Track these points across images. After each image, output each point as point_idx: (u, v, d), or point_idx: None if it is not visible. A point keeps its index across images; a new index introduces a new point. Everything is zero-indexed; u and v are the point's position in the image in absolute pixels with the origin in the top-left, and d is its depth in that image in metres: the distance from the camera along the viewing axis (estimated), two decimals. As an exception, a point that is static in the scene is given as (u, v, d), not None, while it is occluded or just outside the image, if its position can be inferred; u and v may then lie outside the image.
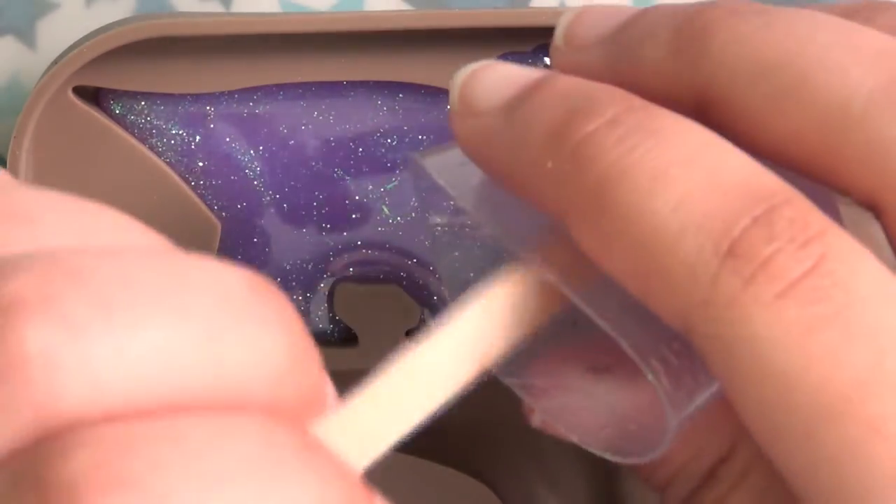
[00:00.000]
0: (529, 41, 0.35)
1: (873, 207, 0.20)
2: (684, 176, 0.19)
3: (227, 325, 0.16)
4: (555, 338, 0.25)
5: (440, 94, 0.36)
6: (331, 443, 0.18)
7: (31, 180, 0.36)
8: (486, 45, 0.35)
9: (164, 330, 0.16)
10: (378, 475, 0.38)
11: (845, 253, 0.19)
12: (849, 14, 0.22)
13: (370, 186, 0.36)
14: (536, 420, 0.24)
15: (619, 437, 0.23)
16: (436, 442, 0.37)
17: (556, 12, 0.35)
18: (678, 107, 0.21)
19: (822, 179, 0.20)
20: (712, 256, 0.19)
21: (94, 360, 0.15)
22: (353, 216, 0.37)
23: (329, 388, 0.19)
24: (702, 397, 0.21)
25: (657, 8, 0.23)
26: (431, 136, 0.36)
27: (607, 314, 0.21)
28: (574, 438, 0.23)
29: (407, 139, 0.36)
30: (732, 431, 0.23)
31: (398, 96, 0.36)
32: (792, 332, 0.18)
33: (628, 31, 0.23)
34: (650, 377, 0.20)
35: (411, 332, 0.37)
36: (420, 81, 0.36)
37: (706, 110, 0.21)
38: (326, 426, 0.19)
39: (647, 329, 0.20)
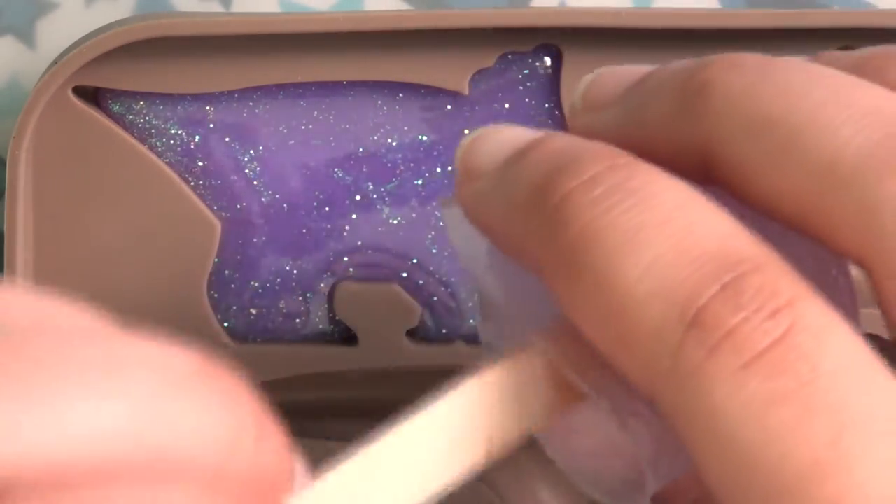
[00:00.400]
0: (529, 41, 0.35)
1: (863, 267, 0.20)
2: (656, 239, 0.19)
3: (164, 401, 0.17)
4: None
5: (440, 93, 0.36)
6: None
7: (31, 180, 0.36)
8: (486, 45, 0.35)
9: (94, 403, 0.16)
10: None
11: (815, 324, 0.18)
12: (861, 63, 0.22)
13: (370, 186, 0.36)
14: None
15: (606, 485, 0.23)
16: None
17: (557, 12, 0.35)
18: (684, 166, 0.21)
19: (816, 237, 0.20)
20: (677, 325, 0.19)
21: (21, 428, 0.16)
22: (353, 216, 0.37)
23: (299, 466, 0.19)
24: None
25: (668, 65, 0.23)
26: (432, 136, 0.36)
27: (589, 379, 0.20)
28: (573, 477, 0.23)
29: (407, 139, 0.36)
30: None
31: (398, 96, 0.36)
32: (753, 405, 0.18)
33: (637, 90, 0.23)
34: (629, 439, 0.20)
35: (411, 332, 0.37)
36: (420, 81, 0.36)
37: (710, 168, 0.21)
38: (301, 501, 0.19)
39: (623, 385, 0.20)
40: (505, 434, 0.22)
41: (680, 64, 0.22)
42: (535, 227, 0.20)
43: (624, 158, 0.20)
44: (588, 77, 0.24)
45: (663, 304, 0.19)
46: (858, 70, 0.21)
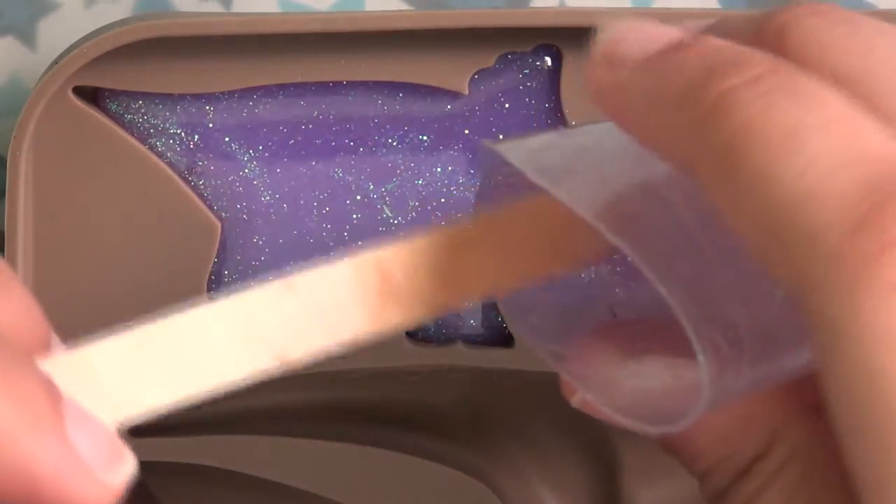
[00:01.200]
0: (529, 41, 0.35)
1: None
2: (819, 139, 0.19)
3: None
4: (592, 319, 0.25)
5: (440, 93, 0.36)
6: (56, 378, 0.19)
7: (31, 180, 0.36)
8: (486, 45, 0.35)
9: None
10: (378, 475, 0.38)
11: None
12: None
13: (371, 186, 0.36)
14: (577, 400, 0.24)
15: (649, 413, 0.22)
16: (436, 442, 0.37)
17: (557, 12, 0.35)
18: None
19: None
20: (837, 228, 0.18)
21: None
22: (354, 216, 0.37)
23: (54, 335, 0.20)
24: (739, 389, 0.21)
25: (712, 39, 0.22)
26: (432, 136, 0.36)
27: (670, 285, 0.20)
28: (606, 412, 0.23)
29: (407, 139, 0.36)
30: (770, 429, 0.23)
31: (398, 96, 0.36)
32: None
33: (678, 63, 0.22)
34: (700, 359, 0.20)
35: (411, 333, 0.37)
36: (420, 81, 0.36)
37: None
38: (55, 361, 0.19)
39: (706, 311, 0.20)
40: (306, 345, 0.22)
41: (699, 57, 0.22)
42: (690, 121, 0.20)
43: (785, 64, 0.20)
44: (609, 29, 0.23)
45: (825, 205, 0.18)
46: None
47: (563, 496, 0.36)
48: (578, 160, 0.23)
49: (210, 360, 0.20)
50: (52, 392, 0.19)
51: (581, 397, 0.24)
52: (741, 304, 0.21)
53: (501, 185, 0.24)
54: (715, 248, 0.21)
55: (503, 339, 0.37)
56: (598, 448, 0.36)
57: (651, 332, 0.21)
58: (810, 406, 0.22)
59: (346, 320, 0.21)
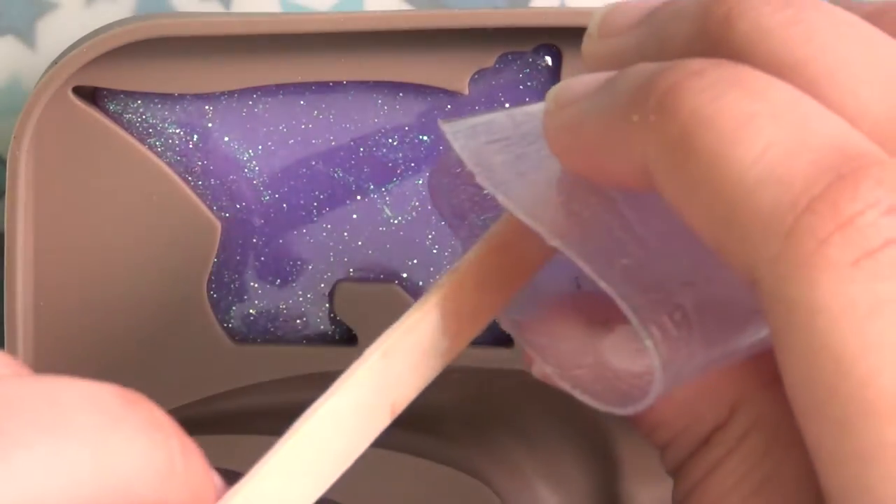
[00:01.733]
0: (529, 41, 0.35)
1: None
2: (770, 126, 0.19)
3: (107, 436, 0.17)
4: (557, 288, 0.25)
5: (440, 93, 0.36)
6: None
7: (31, 180, 0.36)
8: (486, 45, 0.35)
9: (46, 448, 0.17)
10: (378, 475, 0.38)
11: None
12: (877, 14, 0.22)
13: (371, 186, 0.36)
14: (538, 370, 0.24)
15: (608, 389, 0.23)
16: (436, 442, 0.37)
17: (557, 12, 0.35)
18: None
19: None
20: (789, 210, 0.18)
21: None
22: (354, 216, 0.37)
23: (216, 478, 0.20)
24: (695, 368, 0.21)
25: None
26: (432, 136, 0.36)
27: (611, 278, 0.20)
28: (565, 386, 0.23)
29: (407, 139, 0.36)
30: (732, 399, 0.23)
31: (398, 96, 0.36)
32: (855, 310, 0.18)
33: (657, 14, 0.23)
34: (647, 343, 0.20)
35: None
36: (420, 81, 0.36)
37: None
38: None
39: (650, 296, 0.20)
40: (407, 391, 0.22)
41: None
42: (639, 121, 0.20)
43: (725, 59, 0.20)
44: (602, 9, 0.24)
45: (777, 189, 0.18)
46: (876, 20, 0.21)
47: (563, 496, 0.36)
48: (524, 159, 0.23)
49: (340, 449, 0.22)
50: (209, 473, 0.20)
51: (541, 367, 0.24)
52: (687, 286, 0.21)
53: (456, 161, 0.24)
54: (657, 237, 0.21)
55: (503, 339, 0.37)
56: (598, 448, 0.36)
57: (613, 306, 0.21)
58: (771, 377, 0.23)
59: (433, 358, 0.22)
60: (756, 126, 0.19)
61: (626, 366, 0.23)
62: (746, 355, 0.22)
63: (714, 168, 0.19)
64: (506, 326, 0.25)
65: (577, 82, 0.22)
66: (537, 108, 0.24)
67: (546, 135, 0.22)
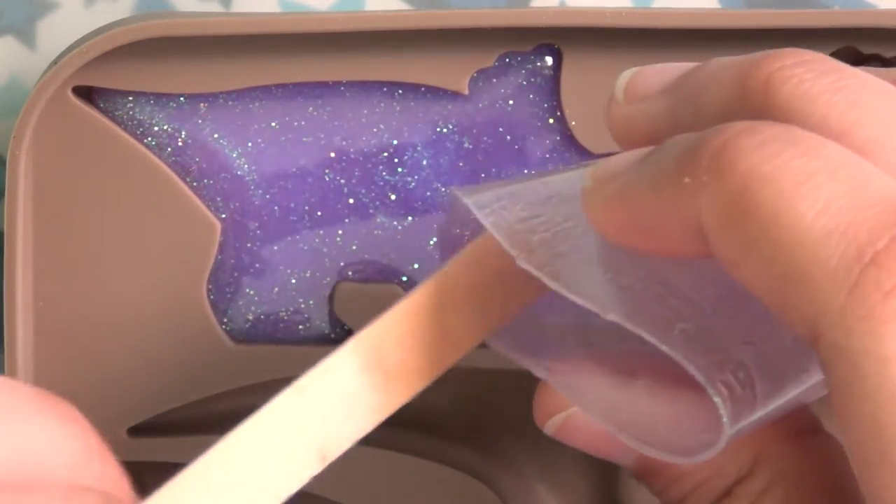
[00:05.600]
0: (529, 41, 0.35)
1: None
2: (830, 183, 0.19)
3: (22, 415, 0.19)
4: (575, 344, 0.25)
5: (440, 93, 0.36)
6: None
7: (31, 180, 0.36)
8: (486, 45, 0.35)
9: None
10: (378, 475, 0.38)
11: None
12: None
13: (371, 187, 0.36)
14: (553, 425, 0.24)
15: (649, 440, 0.23)
16: (436, 442, 0.37)
17: (557, 12, 0.35)
18: None
19: None
20: (854, 263, 0.19)
21: None
22: (354, 217, 0.37)
23: (128, 488, 0.21)
24: (751, 424, 0.21)
25: (718, 59, 0.23)
26: (432, 137, 0.36)
27: (672, 343, 0.21)
28: (612, 430, 0.23)
29: (407, 140, 0.36)
30: (754, 452, 0.23)
31: (398, 95, 0.36)
32: None
33: (690, 78, 0.23)
34: (717, 400, 0.21)
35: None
36: (420, 81, 0.36)
37: None
38: None
39: (712, 357, 0.21)
40: (339, 439, 0.22)
41: (737, 57, 0.22)
42: (691, 182, 0.20)
43: (774, 122, 0.21)
44: (627, 72, 0.24)
45: (841, 243, 0.19)
46: None
47: (563, 496, 0.36)
48: (561, 237, 0.23)
49: (262, 479, 0.22)
50: None
51: (558, 422, 0.24)
52: (746, 345, 0.21)
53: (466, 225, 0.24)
54: (710, 301, 0.22)
55: (503, 339, 0.37)
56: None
57: (638, 359, 0.21)
58: (793, 430, 0.23)
59: (361, 408, 0.22)
60: (816, 183, 0.19)
61: (663, 416, 0.23)
62: (791, 408, 0.22)
63: (775, 224, 0.19)
64: (533, 369, 0.25)
65: (614, 159, 0.23)
66: (561, 178, 0.24)
67: (588, 210, 0.23)
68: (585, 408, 0.24)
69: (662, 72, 0.24)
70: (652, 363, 0.23)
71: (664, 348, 0.21)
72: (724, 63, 0.23)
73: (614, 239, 0.22)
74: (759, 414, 0.21)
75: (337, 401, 0.22)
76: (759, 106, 0.21)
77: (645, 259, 0.22)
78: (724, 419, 0.21)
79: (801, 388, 0.22)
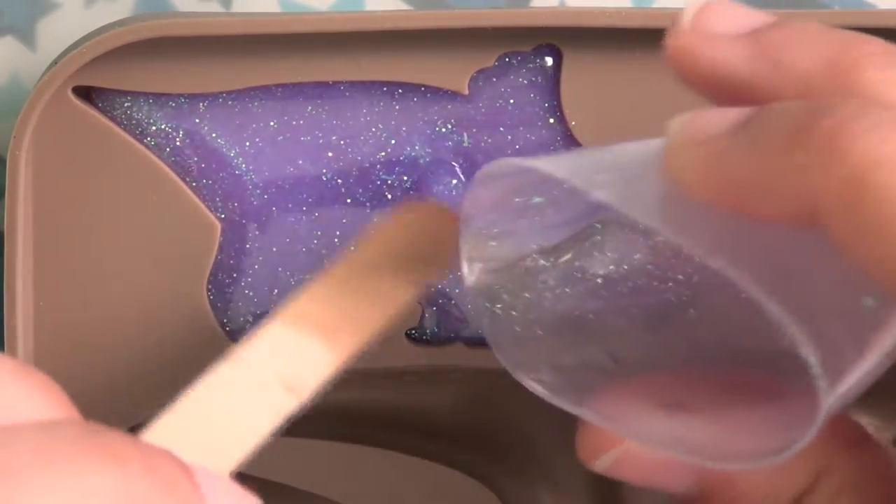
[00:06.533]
0: (529, 41, 0.35)
1: None
2: None
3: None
4: (603, 379, 0.25)
5: (440, 93, 0.36)
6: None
7: (31, 180, 0.36)
8: (486, 45, 0.35)
9: None
10: (378, 475, 0.38)
11: None
12: None
13: (369, 187, 0.36)
14: (602, 465, 0.24)
15: (707, 459, 0.23)
16: (436, 442, 0.37)
17: (557, 12, 0.35)
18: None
19: None
20: None
21: None
22: (352, 217, 0.37)
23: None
24: (838, 406, 0.21)
25: (807, 23, 0.23)
26: (432, 137, 0.36)
27: (780, 301, 0.21)
28: (672, 453, 0.23)
29: (406, 140, 0.36)
30: (817, 464, 0.23)
31: (397, 95, 0.36)
32: None
33: (776, 33, 0.23)
34: (812, 361, 0.20)
35: (411, 332, 0.37)
36: (420, 81, 0.36)
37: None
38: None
39: (818, 323, 0.21)
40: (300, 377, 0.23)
41: (825, 27, 0.22)
42: (803, 162, 0.20)
43: (881, 103, 0.21)
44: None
45: None
46: None
47: (563, 496, 0.36)
48: (634, 181, 0.23)
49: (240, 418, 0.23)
50: (183, 465, 0.19)
51: (611, 459, 0.24)
52: (840, 318, 0.21)
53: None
54: (805, 265, 0.22)
55: (503, 339, 0.37)
56: (598, 448, 0.36)
57: (677, 385, 0.21)
58: (853, 439, 0.23)
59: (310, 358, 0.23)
60: None
61: (707, 444, 0.23)
62: (858, 392, 0.22)
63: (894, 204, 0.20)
64: (585, 415, 0.25)
65: (705, 118, 0.23)
66: (622, 150, 0.24)
67: (673, 167, 0.22)
68: (640, 439, 0.24)
69: (741, 15, 0.24)
70: (694, 386, 0.23)
71: (773, 308, 0.20)
72: (815, 30, 0.23)
73: (702, 197, 0.22)
74: (853, 391, 0.21)
75: (282, 356, 0.22)
76: (844, 82, 0.22)
77: (723, 217, 0.22)
78: (821, 385, 0.20)
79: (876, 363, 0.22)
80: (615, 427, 0.24)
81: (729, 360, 0.24)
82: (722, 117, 0.22)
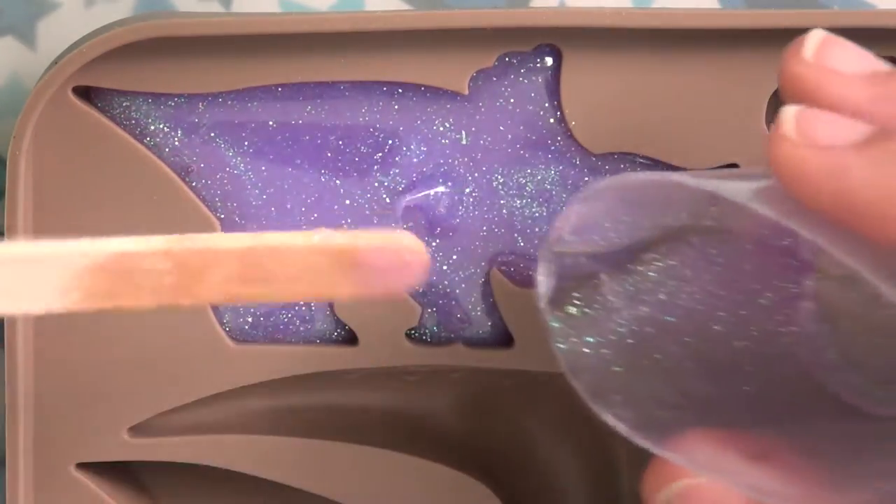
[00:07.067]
0: (529, 41, 0.35)
1: None
2: None
3: None
4: (696, 420, 0.25)
5: (440, 93, 0.36)
6: None
7: (31, 180, 0.36)
8: (485, 45, 0.35)
9: None
10: (378, 475, 0.38)
11: None
12: None
13: (368, 188, 0.36)
14: (668, 493, 0.24)
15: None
16: (436, 442, 0.37)
17: (557, 12, 0.35)
18: None
19: None
20: None
21: None
22: (351, 218, 0.37)
23: None
24: None
25: None
26: (431, 137, 0.36)
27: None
28: (746, 491, 0.23)
29: (406, 140, 0.36)
30: None
31: (397, 95, 0.36)
32: None
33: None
34: None
35: (411, 333, 0.37)
36: (420, 81, 0.36)
37: None
38: None
39: None
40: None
41: None
42: None
43: None
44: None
45: None
46: None
47: (563, 496, 0.36)
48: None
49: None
50: None
51: (678, 489, 0.24)
52: None
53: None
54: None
55: (503, 339, 0.37)
56: (597, 448, 0.36)
57: (761, 439, 0.22)
58: None
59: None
60: None
61: (788, 493, 0.23)
62: None
63: None
64: (654, 449, 0.25)
65: (826, 123, 0.23)
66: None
67: (783, 163, 0.23)
68: (728, 482, 0.24)
69: (862, 57, 0.25)
70: (776, 440, 0.23)
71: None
72: None
73: (808, 200, 0.23)
74: None
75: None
76: None
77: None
78: None
79: None
80: (702, 471, 0.24)
81: (802, 423, 0.25)
82: (848, 129, 0.23)
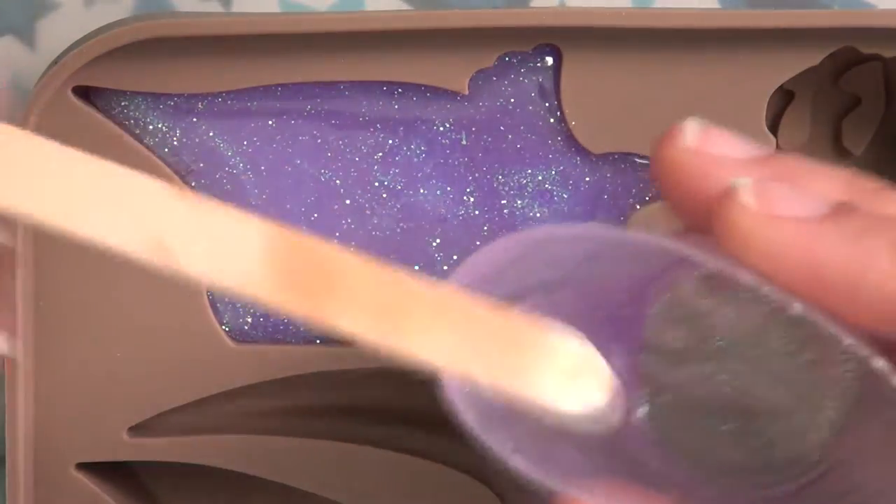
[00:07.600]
0: (529, 41, 0.35)
1: None
2: None
3: None
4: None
5: (440, 93, 0.36)
6: None
7: (31, 180, 0.36)
8: (486, 45, 0.35)
9: None
10: (378, 475, 0.38)
11: None
12: None
13: (368, 188, 0.36)
14: None
15: None
16: (436, 442, 0.37)
17: (557, 12, 0.35)
18: None
19: None
20: None
21: None
22: (351, 218, 0.37)
23: None
24: None
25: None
26: (431, 137, 0.36)
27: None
28: None
29: (406, 140, 0.36)
30: None
31: (397, 95, 0.36)
32: None
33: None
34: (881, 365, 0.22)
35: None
36: (420, 81, 0.36)
37: None
38: None
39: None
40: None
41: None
42: None
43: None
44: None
45: None
46: None
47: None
48: None
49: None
50: None
51: None
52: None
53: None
54: None
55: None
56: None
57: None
58: None
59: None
60: None
61: None
62: None
63: None
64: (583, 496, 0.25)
65: (787, 196, 0.23)
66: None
67: (740, 234, 0.23)
68: None
69: (740, 143, 0.24)
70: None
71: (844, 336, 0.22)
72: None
73: (771, 269, 0.22)
74: None
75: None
76: None
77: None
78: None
79: None
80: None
81: None
82: (811, 201, 0.23)
